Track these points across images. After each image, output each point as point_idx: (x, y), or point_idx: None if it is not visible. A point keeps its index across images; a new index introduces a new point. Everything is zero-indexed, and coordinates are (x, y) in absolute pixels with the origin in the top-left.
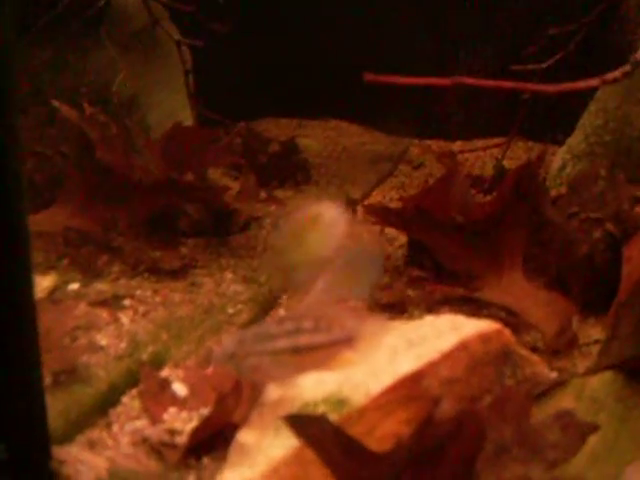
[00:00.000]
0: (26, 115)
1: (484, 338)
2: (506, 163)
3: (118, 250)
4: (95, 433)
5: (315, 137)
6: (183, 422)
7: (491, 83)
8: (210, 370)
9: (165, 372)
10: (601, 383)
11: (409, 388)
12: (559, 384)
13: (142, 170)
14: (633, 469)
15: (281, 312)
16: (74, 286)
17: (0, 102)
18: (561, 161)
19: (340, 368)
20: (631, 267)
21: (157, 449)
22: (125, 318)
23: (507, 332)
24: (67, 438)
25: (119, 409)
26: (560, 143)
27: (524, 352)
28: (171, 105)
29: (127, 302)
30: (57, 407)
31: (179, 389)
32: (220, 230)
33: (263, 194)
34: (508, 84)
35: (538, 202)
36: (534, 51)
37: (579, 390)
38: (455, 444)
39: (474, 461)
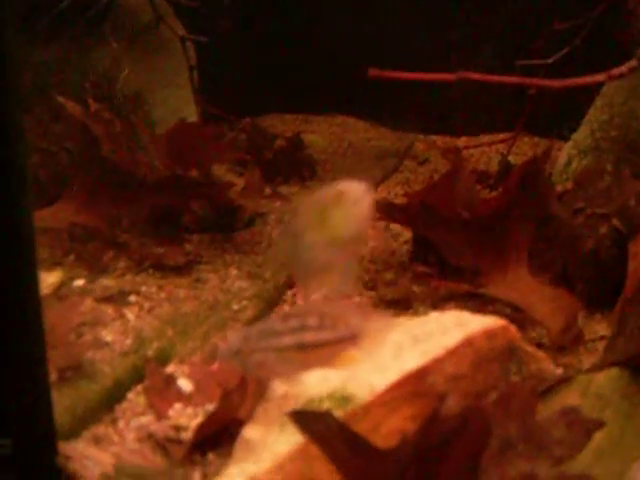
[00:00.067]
0: (31, 112)
1: (489, 334)
2: (512, 159)
3: (123, 246)
4: (101, 429)
5: (320, 133)
6: (188, 418)
7: (496, 78)
8: (215, 366)
9: (170, 368)
10: (607, 379)
11: (414, 384)
12: (564, 380)
13: (147, 166)
14: (639, 466)
15: (286, 308)
16: (80, 282)
17: (4, 99)
18: (567, 156)
19: (344, 366)
20: (637, 263)
21: (162, 445)
22: (130, 314)
23: (512, 328)
24: (73, 434)
25: (125, 405)
26: (566, 138)
27: (530, 348)
28: (176, 101)
29: (132, 298)
30: (63, 403)
31: (184, 385)
32: (225, 226)
33: (268, 190)
34: (513, 79)
35: (544, 197)
36: (540, 46)
37: (585, 387)
38: (460, 440)
39: (479, 457)
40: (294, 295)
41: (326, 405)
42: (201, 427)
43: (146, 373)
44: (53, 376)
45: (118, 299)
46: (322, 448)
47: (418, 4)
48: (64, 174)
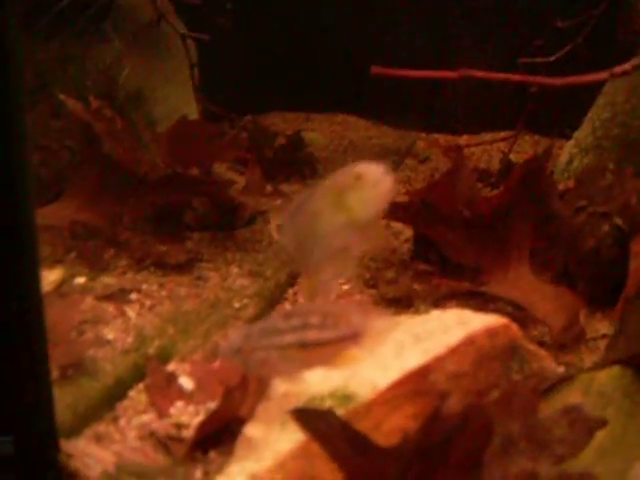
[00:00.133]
0: (32, 109)
1: (491, 333)
2: (513, 157)
3: (124, 244)
4: (102, 427)
5: (321, 131)
6: (190, 416)
7: (498, 76)
8: (217, 364)
9: (172, 366)
10: (609, 378)
11: (416, 383)
12: (566, 379)
13: (148, 164)
14: None
15: (287, 306)
16: (81, 280)
17: (6, 97)
18: (568, 155)
19: (346, 365)
20: (639, 261)
21: (164, 443)
22: (131, 312)
23: (514, 327)
24: (74, 432)
25: (126, 403)
26: (567, 137)
27: (531, 347)
28: (177, 99)
29: (133, 296)
30: (64, 401)
31: (186, 383)
32: (226, 224)
33: (269, 188)
34: (516, 77)
35: (545, 196)
36: (542, 44)
37: (587, 385)
38: (462, 439)
39: (481, 456)
40: (295, 293)
41: (328, 403)
42: (202, 425)
43: (147, 371)
44: (54, 374)
45: (119, 297)
46: (323, 446)
47: (418, 5)
48: (65, 172)
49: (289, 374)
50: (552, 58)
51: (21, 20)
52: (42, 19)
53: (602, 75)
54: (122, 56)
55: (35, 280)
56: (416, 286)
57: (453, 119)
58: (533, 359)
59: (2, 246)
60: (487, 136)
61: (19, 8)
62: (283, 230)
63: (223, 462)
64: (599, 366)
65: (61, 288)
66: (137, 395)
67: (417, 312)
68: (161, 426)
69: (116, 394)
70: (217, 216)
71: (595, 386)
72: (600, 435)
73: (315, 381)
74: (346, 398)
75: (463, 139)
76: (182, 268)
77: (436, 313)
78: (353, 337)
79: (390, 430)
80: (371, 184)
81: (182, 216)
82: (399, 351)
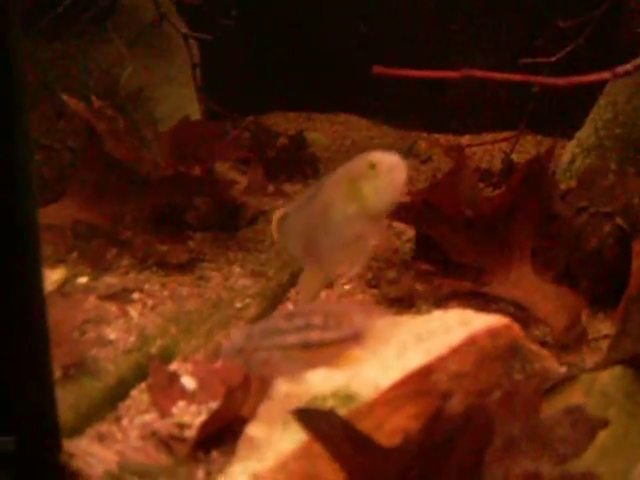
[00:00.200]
0: (34, 109)
1: (493, 333)
2: (515, 157)
3: (127, 243)
4: (104, 426)
5: (323, 131)
6: (192, 416)
7: (500, 76)
8: (219, 364)
9: (174, 366)
10: (611, 378)
11: (418, 383)
12: (568, 379)
13: (150, 164)
14: None
15: (289, 306)
16: (83, 279)
17: (9, 96)
18: (570, 155)
19: (348, 365)
20: None
21: (166, 443)
22: (134, 312)
23: (516, 327)
24: (77, 431)
25: (128, 402)
26: (569, 137)
27: (533, 347)
28: (179, 99)
29: (136, 296)
30: (67, 400)
31: (188, 383)
32: (228, 224)
33: (271, 188)
34: (518, 77)
35: (547, 196)
36: (544, 44)
37: (589, 385)
38: (464, 439)
39: (483, 456)
40: (298, 293)
41: (330, 403)
42: (205, 425)
43: (150, 371)
44: (57, 373)
45: (121, 297)
46: (326, 446)
47: (421, 3)
48: (68, 171)
49: (291, 374)
50: (554, 58)
51: (23, 20)
52: (44, 19)
53: (604, 75)
54: (124, 56)
55: (38, 280)
56: (418, 286)
57: (455, 119)
58: (535, 359)
59: (4, 245)
60: (489, 136)
61: (21, 8)
62: (284, 227)
63: (225, 462)
64: (601, 366)
65: (63, 288)
66: (139, 395)
67: (419, 312)
68: (163, 426)
69: (118, 394)
70: (219, 216)
71: (597, 386)
72: (602, 435)
73: (317, 381)
74: (348, 398)
75: (465, 139)
76: (184, 268)
77: (438, 313)
78: (355, 338)
79: (392, 430)
80: (386, 172)
81: (184, 216)
82: (401, 351)
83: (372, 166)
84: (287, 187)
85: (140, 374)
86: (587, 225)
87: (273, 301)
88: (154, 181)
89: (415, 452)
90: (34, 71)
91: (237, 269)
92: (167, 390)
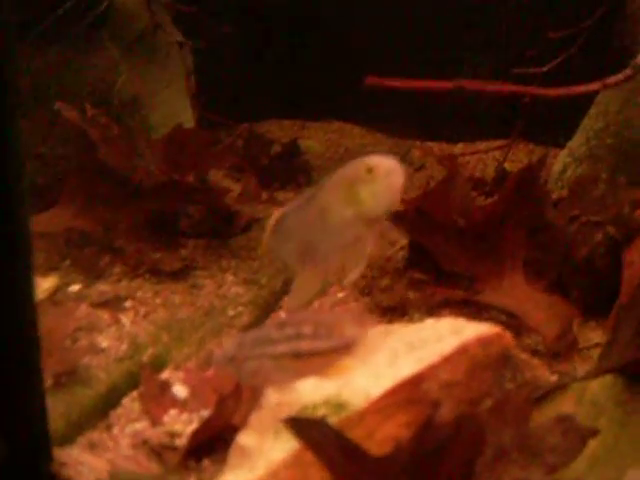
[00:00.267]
0: (28, 117)
1: (484, 342)
2: (508, 165)
3: (119, 251)
4: (96, 435)
5: (317, 139)
6: (183, 424)
7: (492, 87)
8: (210, 372)
9: (166, 374)
10: (601, 387)
11: (409, 391)
12: (559, 388)
13: (144, 171)
14: (634, 473)
15: (282, 314)
16: (75, 287)
17: (1, 104)
18: (562, 164)
19: (338, 375)
20: (632, 271)
21: (157, 451)
22: (126, 319)
23: (507, 335)
24: (68, 440)
25: (119, 411)
26: (562, 146)
27: (524, 356)
28: (173, 107)
29: (128, 303)
30: (58, 409)
31: (179, 391)
32: (221, 232)
33: (264, 196)
34: (508, 88)
35: (539, 205)
36: (536, 54)
37: (579, 394)
38: (454, 448)
39: (473, 465)
40: (290, 298)
41: (321, 412)
42: (196, 433)
43: (141, 379)
44: (48, 382)
45: (114, 304)
46: (317, 455)
47: (415, 12)
48: (61, 179)
49: (282, 383)
50: (546, 68)
51: (17, 27)
52: (38, 26)
53: (595, 86)
54: (118, 63)
55: (29, 287)
56: (411, 294)
57: (448, 127)
58: (526, 368)
59: None
60: (482, 144)
61: (15, 15)
62: (280, 228)
63: (216, 471)
64: (592, 375)
65: (56, 295)
66: (131, 403)
67: (411, 320)
68: (154, 434)
69: (110, 402)
70: (212, 223)
71: (587, 395)
72: (592, 444)
73: (308, 389)
74: (339, 406)
75: (458, 147)
76: (177, 275)
77: (430, 322)
78: (346, 347)
79: (383, 439)
80: (383, 176)
81: (177, 223)
82: (393, 360)
83: (369, 170)
84: (280, 195)
85: (132, 382)
86: (578, 234)
87: (266, 309)
88: (147, 189)
89: (406, 461)
90: (28, 78)
91: (230, 277)
92: (158, 398)
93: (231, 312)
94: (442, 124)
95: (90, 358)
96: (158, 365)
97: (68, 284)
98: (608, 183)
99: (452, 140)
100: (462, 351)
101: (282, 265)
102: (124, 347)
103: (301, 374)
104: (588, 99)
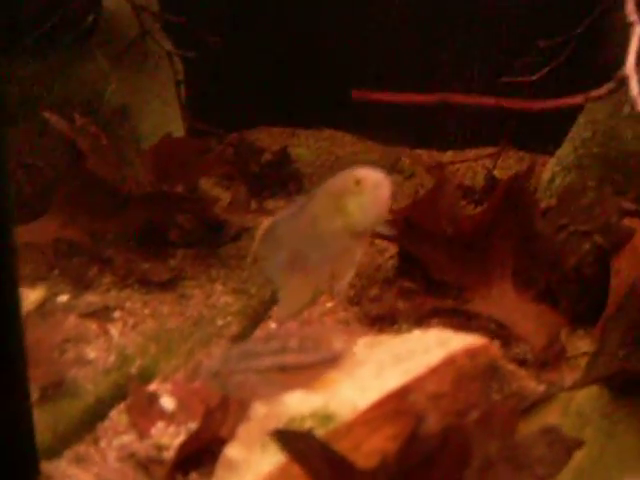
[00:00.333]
0: (16, 126)
1: (471, 353)
2: (497, 173)
3: (108, 261)
4: (82, 448)
5: (308, 147)
6: (171, 437)
7: (476, 100)
8: (198, 384)
9: (153, 386)
10: (587, 398)
11: (396, 403)
12: (545, 399)
13: (133, 181)
14: None
15: (271, 324)
16: (64, 298)
17: None
18: (551, 173)
19: (324, 388)
20: (619, 280)
21: (144, 465)
22: (114, 330)
23: (494, 347)
24: (55, 453)
25: (107, 423)
26: (552, 153)
27: (511, 366)
28: (162, 116)
29: (117, 314)
30: (45, 421)
31: (167, 403)
32: (211, 241)
33: (254, 204)
34: (492, 101)
35: (528, 214)
36: (524, 63)
37: (565, 405)
38: (441, 460)
39: (460, 477)
40: (278, 309)
41: (308, 424)
42: (183, 446)
43: (129, 391)
44: (35, 394)
45: (102, 315)
46: (304, 467)
47: (405, 21)
48: (50, 189)
49: (269, 397)
50: (534, 78)
51: (5, 37)
52: (27, 36)
53: (577, 99)
54: (107, 73)
55: (14, 299)
56: (400, 304)
57: (438, 135)
58: (513, 379)
59: None
60: (471, 152)
61: (3, 25)
62: (269, 238)
63: None
64: (578, 385)
65: (44, 306)
66: (118, 416)
67: (400, 330)
68: (142, 447)
69: (97, 414)
70: (202, 233)
71: (573, 406)
72: (579, 455)
73: (295, 402)
74: (327, 418)
75: (448, 155)
76: (166, 286)
77: (417, 333)
78: (332, 361)
79: (370, 451)
80: (370, 189)
81: (167, 233)
82: (379, 371)
83: (357, 182)
84: (271, 203)
85: (119, 394)
86: (566, 243)
87: (255, 319)
88: (136, 198)
89: (393, 473)
90: (16, 88)
91: (219, 287)
92: (146, 411)
93: (220, 322)
94: (432, 132)
95: (77, 370)
96: (146, 377)
97: (56, 294)
98: (595, 192)
99: (442, 148)
100: (449, 362)
101: (268, 276)
102: (112, 358)
103: (287, 387)
104: (578, 106)
